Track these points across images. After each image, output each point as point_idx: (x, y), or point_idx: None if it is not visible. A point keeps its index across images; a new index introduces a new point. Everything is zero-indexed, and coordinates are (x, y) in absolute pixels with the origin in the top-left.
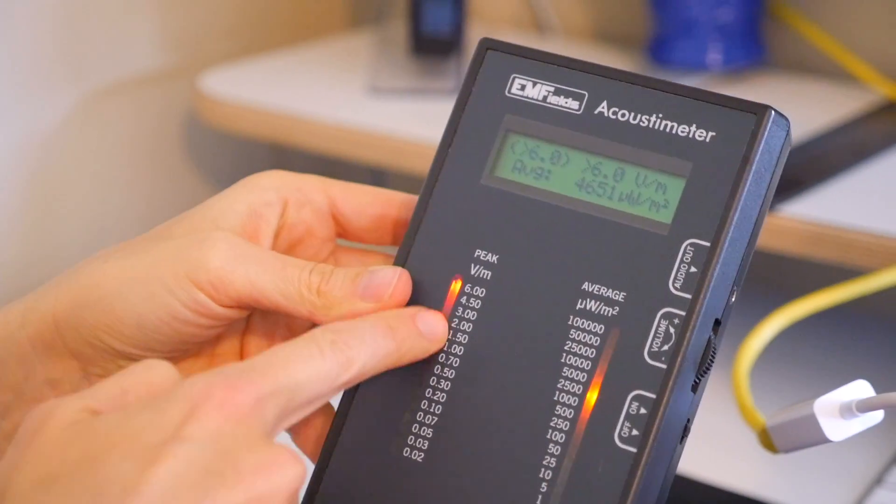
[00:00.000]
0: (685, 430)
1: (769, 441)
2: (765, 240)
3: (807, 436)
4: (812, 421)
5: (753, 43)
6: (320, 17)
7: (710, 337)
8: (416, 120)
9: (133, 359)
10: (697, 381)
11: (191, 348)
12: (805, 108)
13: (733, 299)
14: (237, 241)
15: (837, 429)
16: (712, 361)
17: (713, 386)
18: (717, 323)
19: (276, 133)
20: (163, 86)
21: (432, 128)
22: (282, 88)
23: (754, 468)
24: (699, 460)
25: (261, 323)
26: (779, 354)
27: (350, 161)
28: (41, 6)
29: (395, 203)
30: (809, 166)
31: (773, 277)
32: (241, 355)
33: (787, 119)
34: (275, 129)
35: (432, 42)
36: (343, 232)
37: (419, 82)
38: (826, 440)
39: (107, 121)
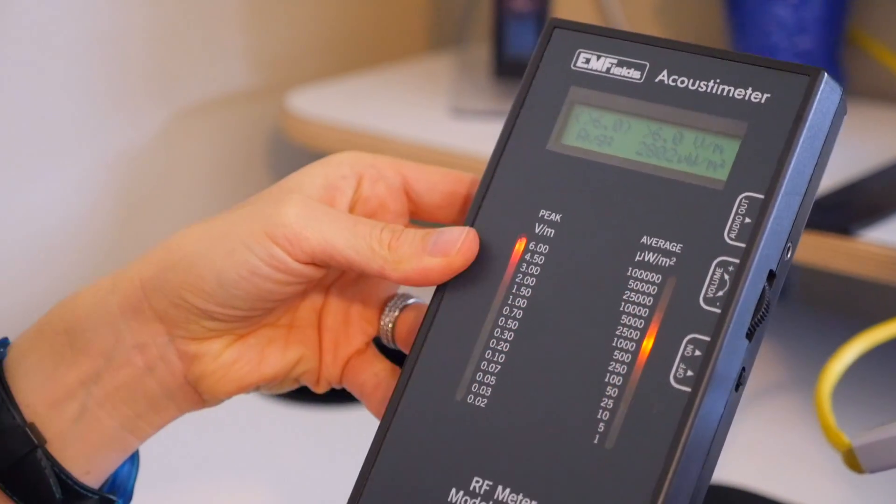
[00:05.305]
0: (741, 378)
1: (855, 461)
2: (844, 265)
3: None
4: None
5: (833, 70)
6: (403, 38)
7: (764, 287)
8: None
9: (215, 318)
10: (753, 329)
11: (270, 311)
12: (883, 135)
13: (789, 255)
14: (311, 201)
15: None
16: (767, 312)
17: (792, 408)
18: (772, 275)
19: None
20: (250, 104)
21: None
22: (365, 108)
23: (833, 489)
24: (780, 481)
25: (337, 296)
26: (856, 377)
27: None
28: (132, 25)
29: (465, 181)
30: (888, 192)
31: (852, 302)
32: (319, 328)
33: (840, 84)
34: (358, 148)
35: (515, 64)
36: (415, 209)
37: (501, 104)
38: None
39: (195, 138)
